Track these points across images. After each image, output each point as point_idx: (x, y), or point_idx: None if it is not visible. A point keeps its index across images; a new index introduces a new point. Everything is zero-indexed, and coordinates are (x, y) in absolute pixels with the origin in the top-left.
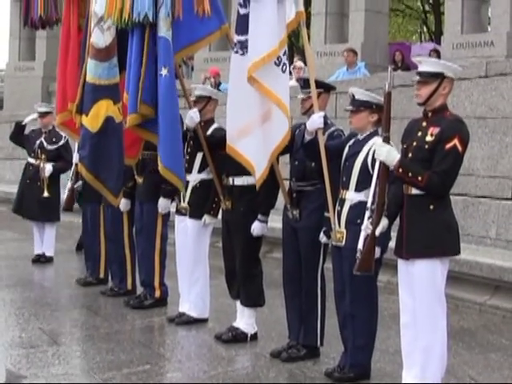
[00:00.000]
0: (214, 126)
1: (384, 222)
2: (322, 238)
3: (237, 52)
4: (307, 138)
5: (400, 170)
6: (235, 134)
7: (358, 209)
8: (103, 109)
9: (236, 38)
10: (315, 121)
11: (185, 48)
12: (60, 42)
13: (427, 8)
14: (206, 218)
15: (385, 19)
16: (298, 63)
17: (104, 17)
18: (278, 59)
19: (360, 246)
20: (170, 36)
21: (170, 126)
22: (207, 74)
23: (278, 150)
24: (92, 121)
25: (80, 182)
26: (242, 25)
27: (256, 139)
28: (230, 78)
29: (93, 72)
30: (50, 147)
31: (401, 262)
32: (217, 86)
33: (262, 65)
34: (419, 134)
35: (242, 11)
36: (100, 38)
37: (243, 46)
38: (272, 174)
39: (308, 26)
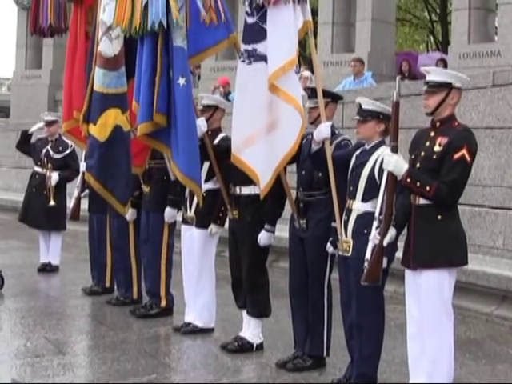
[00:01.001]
0: (221, 135)
1: (392, 232)
2: (329, 248)
3: (243, 61)
4: (314, 147)
5: (408, 180)
6: (241, 144)
7: (365, 219)
8: (111, 118)
9: (243, 46)
10: (322, 131)
11: (192, 57)
12: (67, 49)
13: (434, 18)
14: (213, 227)
15: (391, 29)
16: (305, 72)
17: (112, 25)
18: (296, 67)
19: (368, 256)
20: (186, 45)
21: (188, 135)
22: (216, 84)
23: (285, 159)
24: (100, 130)
25: (87, 191)
26: (249, 34)
27: (261, 149)
28: (236, 87)
29: (101, 81)
30: (56, 156)
31: (408, 273)
32: (226, 95)
33: (282, 73)
34: (427, 144)
35: (250, 20)
36: (109, 47)
37: (250, 55)
38: (279, 184)
39: (315, 36)
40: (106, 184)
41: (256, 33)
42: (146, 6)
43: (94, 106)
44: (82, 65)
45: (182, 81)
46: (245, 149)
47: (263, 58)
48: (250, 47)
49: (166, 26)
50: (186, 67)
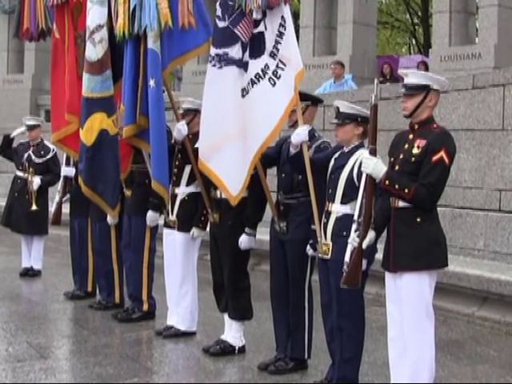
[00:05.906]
0: None
1: (371, 234)
2: (309, 251)
3: (214, 65)
4: (292, 151)
5: (387, 183)
6: (206, 150)
7: (344, 221)
8: (97, 122)
9: (213, 51)
10: (299, 134)
11: (174, 59)
12: (52, 55)
13: (416, 20)
14: (195, 231)
15: (373, 32)
16: None
17: (94, 31)
18: None
19: (347, 258)
20: (158, 48)
21: (157, 137)
22: None
23: (257, 155)
24: (87, 134)
25: (68, 196)
26: (220, 38)
27: (230, 155)
28: (204, 91)
29: (86, 86)
30: (38, 160)
31: (388, 275)
32: None
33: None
34: (406, 146)
35: (221, 24)
36: (92, 51)
37: (221, 59)
38: (260, 187)
39: (297, 39)
40: (96, 188)
41: (227, 37)
42: (134, 10)
43: (82, 112)
44: (73, 69)
45: (152, 82)
46: (211, 156)
47: (235, 62)
48: (220, 51)
49: (156, 28)
50: (156, 70)
